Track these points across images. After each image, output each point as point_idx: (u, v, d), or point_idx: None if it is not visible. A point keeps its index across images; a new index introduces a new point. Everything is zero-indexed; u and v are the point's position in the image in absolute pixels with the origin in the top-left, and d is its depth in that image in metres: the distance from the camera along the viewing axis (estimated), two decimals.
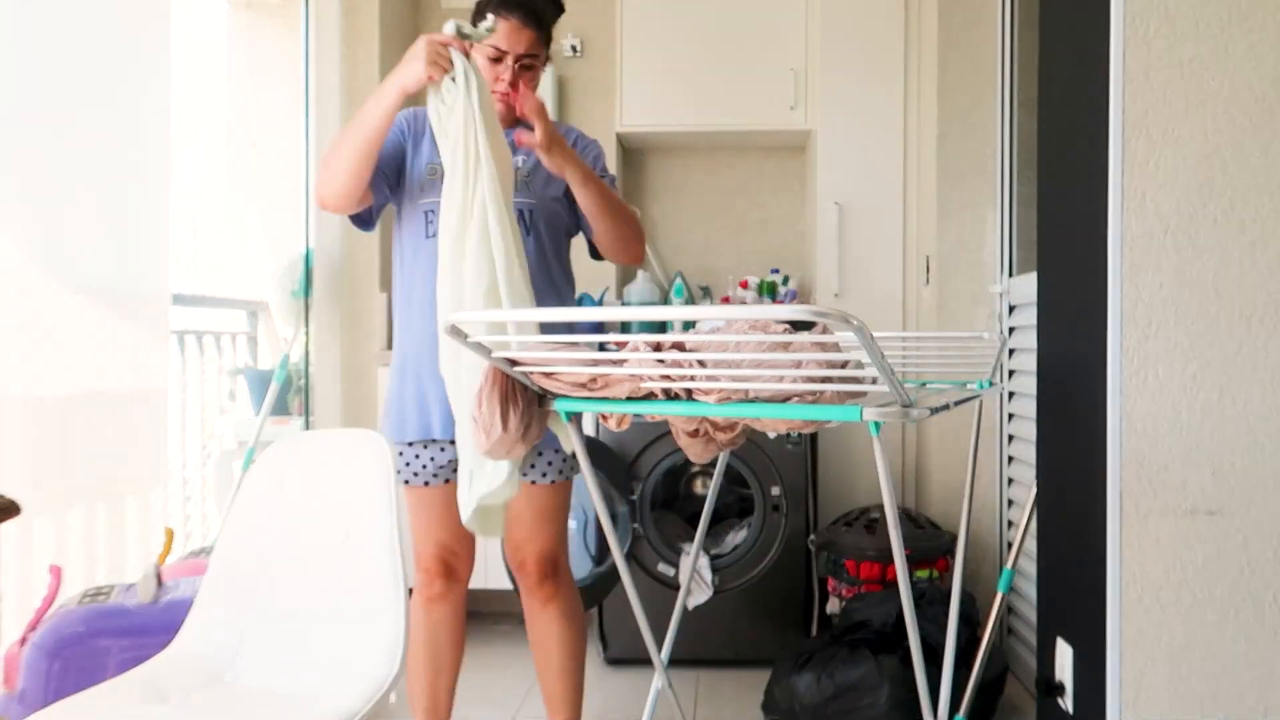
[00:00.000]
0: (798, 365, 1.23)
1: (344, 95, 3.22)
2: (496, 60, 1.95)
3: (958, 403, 1.49)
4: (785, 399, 1.25)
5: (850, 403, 1.27)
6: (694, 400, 1.28)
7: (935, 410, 1.29)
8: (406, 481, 2.00)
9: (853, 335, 1.08)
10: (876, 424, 1.20)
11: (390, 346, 3.18)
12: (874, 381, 1.21)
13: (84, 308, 2.34)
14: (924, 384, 1.86)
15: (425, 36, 1.76)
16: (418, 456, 1.99)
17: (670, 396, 1.30)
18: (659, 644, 1.71)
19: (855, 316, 1.05)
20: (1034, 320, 1.93)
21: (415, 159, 2.01)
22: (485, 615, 3.35)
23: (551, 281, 2.02)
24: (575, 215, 2.05)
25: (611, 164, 3.49)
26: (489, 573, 3.01)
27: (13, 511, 1.44)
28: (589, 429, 2.93)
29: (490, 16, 1.89)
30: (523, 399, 1.41)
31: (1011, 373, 2.72)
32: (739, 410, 1.26)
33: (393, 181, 1.99)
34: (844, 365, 1.24)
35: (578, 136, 2.12)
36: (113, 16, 2.46)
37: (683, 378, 1.25)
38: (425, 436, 1.97)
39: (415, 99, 1.90)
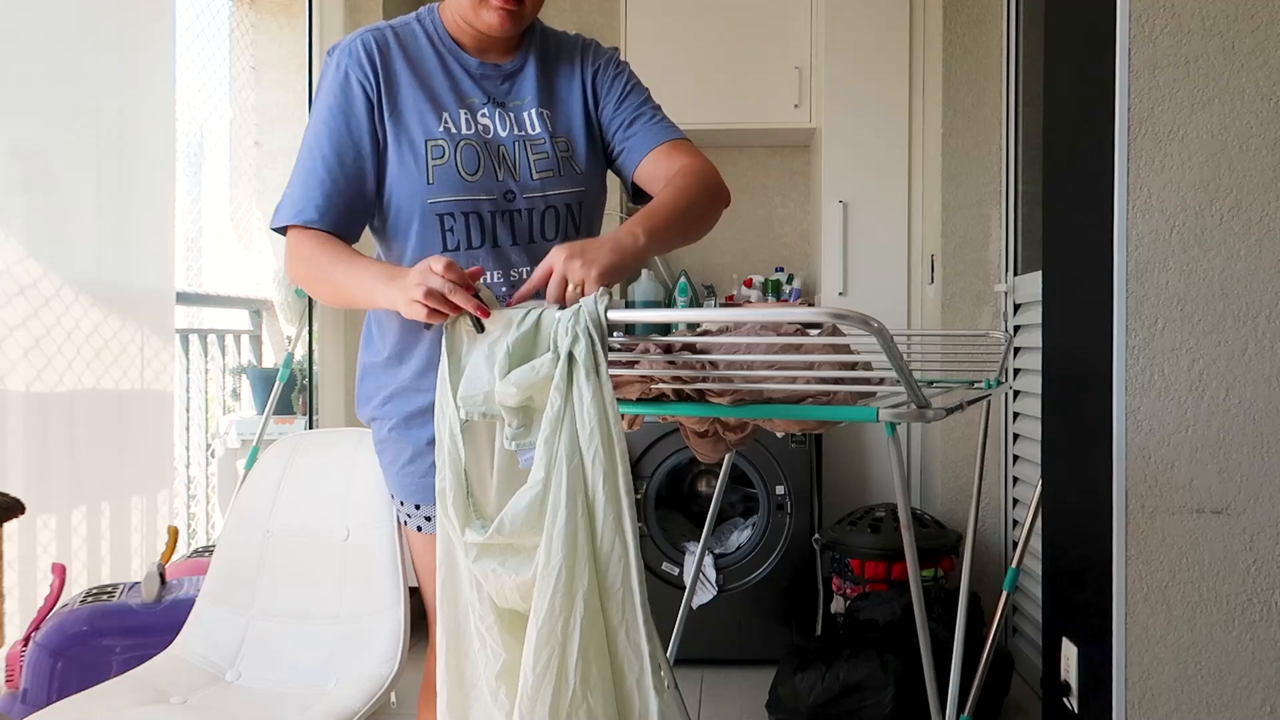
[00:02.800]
0: (810, 366, 1.23)
1: None
2: None
3: (970, 402, 1.49)
4: (799, 400, 1.24)
5: (862, 403, 1.27)
6: (706, 401, 1.27)
7: (950, 410, 1.28)
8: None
9: (862, 335, 1.08)
10: (892, 425, 1.19)
11: None
12: (880, 382, 1.21)
13: (87, 306, 2.33)
14: (930, 383, 1.86)
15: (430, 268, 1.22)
16: None
17: (681, 397, 1.29)
18: (664, 643, 1.70)
19: (875, 319, 1.04)
20: (1039, 319, 1.92)
21: (401, 139, 1.46)
22: None
23: None
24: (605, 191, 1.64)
25: None
26: None
27: (17, 510, 1.44)
28: None
29: None
30: None
31: (1016, 371, 2.71)
32: (754, 411, 1.26)
33: (373, 206, 1.50)
34: (854, 366, 1.24)
35: (593, 49, 1.61)
36: (116, 13, 2.46)
37: (695, 379, 1.25)
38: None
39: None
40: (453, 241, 1.47)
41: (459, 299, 1.20)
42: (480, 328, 1.22)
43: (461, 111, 1.48)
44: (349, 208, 1.46)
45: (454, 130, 1.47)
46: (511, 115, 1.51)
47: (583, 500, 1.15)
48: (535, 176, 1.50)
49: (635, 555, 1.16)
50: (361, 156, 1.46)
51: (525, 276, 1.46)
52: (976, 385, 1.75)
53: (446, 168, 1.45)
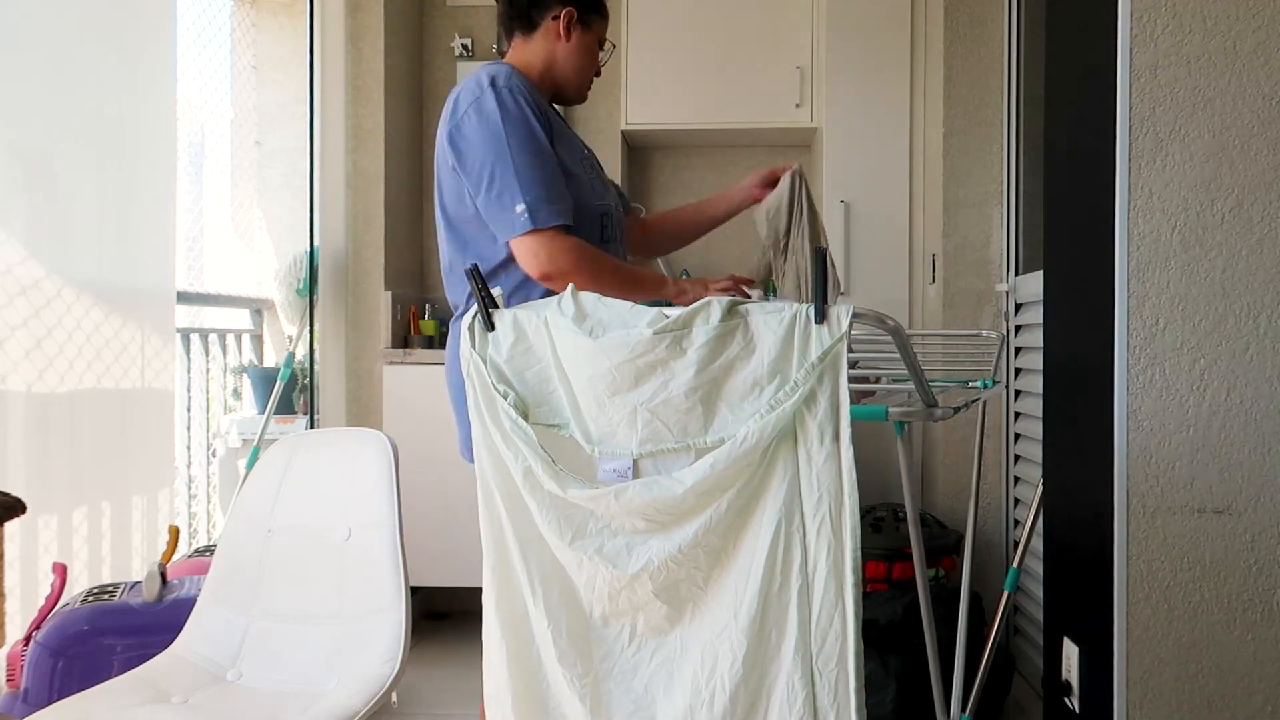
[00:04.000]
0: None
1: (348, 92, 3.22)
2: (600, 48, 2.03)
3: (971, 402, 1.48)
4: None
5: (864, 401, 1.27)
6: None
7: (957, 409, 1.28)
8: None
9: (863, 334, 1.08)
10: (901, 424, 1.19)
11: (397, 344, 3.17)
12: (877, 380, 1.20)
13: (88, 305, 2.34)
14: (929, 382, 1.86)
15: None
16: None
17: None
18: None
19: (891, 317, 1.04)
20: (1040, 319, 1.92)
21: (563, 159, 1.79)
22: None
23: None
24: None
25: (616, 162, 3.48)
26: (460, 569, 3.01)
27: (18, 510, 1.44)
28: None
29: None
30: None
31: (1018, 371, 2.70)
32: None
33: None
34: (855, 365, 1.24)
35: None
36: (117, 13, 2.46)
37: None
38: None
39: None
40: (607, 234, 1.83)
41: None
42: (490, 325, 1.24)
43: (571, 137, 1.86)
44: None
45: (581, 153, 1.87)
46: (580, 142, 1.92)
47: (798, 570, 1.08)
48: (608, 192, 1.91)
49: (855, 635, 1.10)
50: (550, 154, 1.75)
51: None
52: (972, 385, 1.75)
53: (591, 180, 1.84)
